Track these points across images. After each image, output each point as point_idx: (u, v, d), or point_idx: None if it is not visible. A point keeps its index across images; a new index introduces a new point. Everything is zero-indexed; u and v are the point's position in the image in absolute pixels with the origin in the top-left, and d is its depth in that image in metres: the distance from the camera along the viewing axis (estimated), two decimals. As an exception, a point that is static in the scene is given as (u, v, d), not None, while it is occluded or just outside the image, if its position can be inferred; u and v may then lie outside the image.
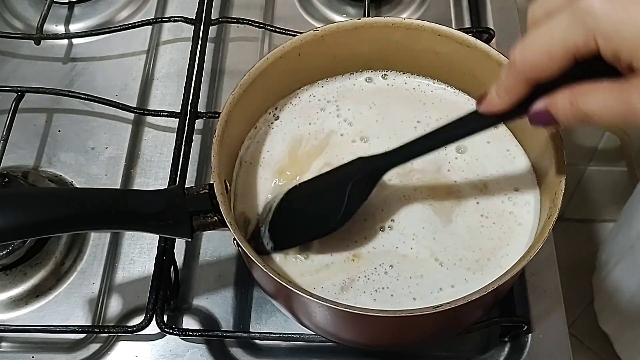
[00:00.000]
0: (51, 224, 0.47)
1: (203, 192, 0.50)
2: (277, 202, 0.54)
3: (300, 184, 0.54)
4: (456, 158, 0.56)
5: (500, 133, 0.57)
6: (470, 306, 0.44)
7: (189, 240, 0.51)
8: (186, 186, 0.53)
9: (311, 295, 0.45)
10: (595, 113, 0.38)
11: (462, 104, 0.59)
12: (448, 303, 0.44)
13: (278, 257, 0.52)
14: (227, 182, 0.53)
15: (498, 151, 0.56)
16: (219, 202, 0.48)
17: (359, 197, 0.51)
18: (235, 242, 0.49)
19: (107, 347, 0.59)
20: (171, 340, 0.59)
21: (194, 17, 0.73)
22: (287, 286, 0.45)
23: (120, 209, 0.49)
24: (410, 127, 0.58)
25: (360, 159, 0.51)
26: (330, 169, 0.53)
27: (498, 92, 0.42)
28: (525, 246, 0.51)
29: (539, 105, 0.41)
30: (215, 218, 0.50)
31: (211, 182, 0.49)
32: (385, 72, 0.60)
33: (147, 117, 0.71)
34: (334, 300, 0.45)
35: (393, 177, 0.55)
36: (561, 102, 0.39)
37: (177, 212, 0.50)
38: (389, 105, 0.59)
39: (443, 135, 0.47)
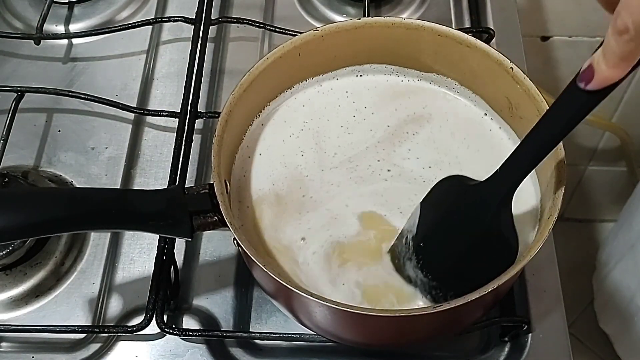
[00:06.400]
0: (51, 224, 0.46)
1: (203, 192, 0.50)
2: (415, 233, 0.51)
3: (435, 215, 0.51)
4: (456, 156, 0.56)
5: (501, 134, 0.57)
6: (470, 306, 0.44)
7: (189, 240, 0.51)
8: (186, 186, 0.53)
9: (311, 295, 0.45)
10: None
11: (462, 102, 0.59)
12: (448, 303, 0.44)
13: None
14: (227, 181, 0.53)
15: (499, 152, 0.56)
16: (219, 202, 0.48)
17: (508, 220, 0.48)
18: (235, 242, 0.49)
19: (107, 347, 0.59)
20: (171, 340, 0.59)
21: (194, 17, 0.73)
22: (287, 286, 0.45)
23: (120, 209, 0.49)
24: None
25: (477, 185, 0.48)
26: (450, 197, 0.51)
27: (612, 62, 0.38)
28: (525, 246, 0.51)
29: None
30: (216, 218, 0.50)
31: (211, 182, 0.49)
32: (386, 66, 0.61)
33: (147, 117, 0.71)
34: (334, 300, 0.45)
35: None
36: None
37: (177, 211, 0.50)
38: (388, 102, 0.59)
39: (552, 131, 0.43)
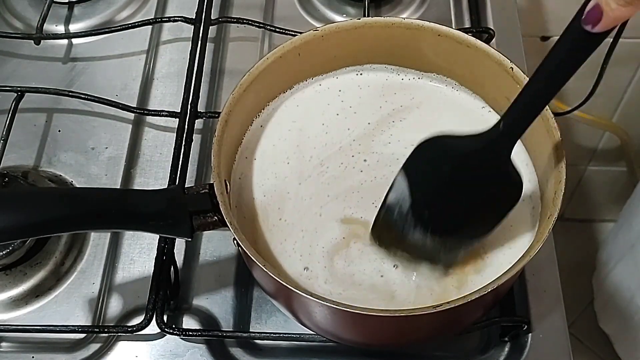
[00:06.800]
0: (51, 224, 0.46)
1: (203, 191, 0.50)
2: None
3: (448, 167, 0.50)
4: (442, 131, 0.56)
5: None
6: (470, 306, 0.44)
7: (189, 240, 0.51)
8: (186, 186, 0.53)
9: (311, 295, 0.45)
10: None
11: (463, 101, 0.59)
12: (448, 303, 0.44)
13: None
14: (227, 181, 0.53)
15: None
16: (219, 202, 0.48)
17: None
18: (235, 242, 0.49)
19: (107, 347, 0.59)
20: (171, 340, 0.59)
21: (194, 17, 0.73)
22: (287, 286, 0.45)
23: (120, 209, 0.49)
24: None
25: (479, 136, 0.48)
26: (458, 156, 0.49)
27: (622, 1, 0.37)
28: (525, 246, 0.51)
29: None
30: (216, 218, 0.50)
31: (211, 182, 0.49)
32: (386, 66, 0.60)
33: (147, 117, 0.71)
34: (334, 300, 0.45)
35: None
36: None
37: (177, 211, 0.50)
38: (377, 99, 0.59)
39: (554, 76, 0.43)
